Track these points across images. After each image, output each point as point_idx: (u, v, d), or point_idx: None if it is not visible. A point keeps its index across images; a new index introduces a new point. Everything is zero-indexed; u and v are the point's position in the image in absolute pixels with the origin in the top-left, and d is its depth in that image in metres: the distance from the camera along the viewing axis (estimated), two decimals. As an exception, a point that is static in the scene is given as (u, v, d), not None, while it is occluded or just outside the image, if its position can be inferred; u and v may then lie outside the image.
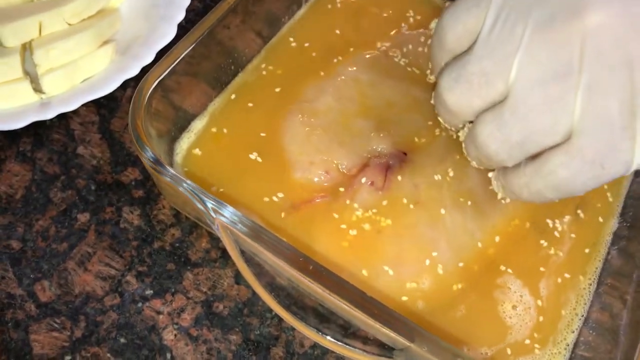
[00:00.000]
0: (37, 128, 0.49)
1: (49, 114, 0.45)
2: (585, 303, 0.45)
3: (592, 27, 0.32)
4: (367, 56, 0.52)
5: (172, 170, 0.39)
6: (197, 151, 0.46)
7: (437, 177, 0.46)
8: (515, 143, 0.36)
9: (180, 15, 0.50)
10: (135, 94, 0.41)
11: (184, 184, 0.38)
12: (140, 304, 0.43)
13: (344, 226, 0.44)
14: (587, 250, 0.46)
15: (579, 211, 0.46)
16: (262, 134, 0.47)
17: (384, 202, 0.45)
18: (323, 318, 0.42)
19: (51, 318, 0.42)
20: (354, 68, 0.51)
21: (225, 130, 0.48)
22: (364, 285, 0.42)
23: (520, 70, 0.34)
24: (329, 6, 0.57)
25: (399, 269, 0.43)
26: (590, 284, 0.45)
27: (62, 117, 0.50)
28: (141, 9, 0.53)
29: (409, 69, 0.52)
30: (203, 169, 0.46)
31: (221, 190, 0.45)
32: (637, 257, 0.45)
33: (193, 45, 0.44)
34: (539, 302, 0.43)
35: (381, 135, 0.47)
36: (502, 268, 0.44)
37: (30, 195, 0.47)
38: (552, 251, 0.45)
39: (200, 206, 0.38)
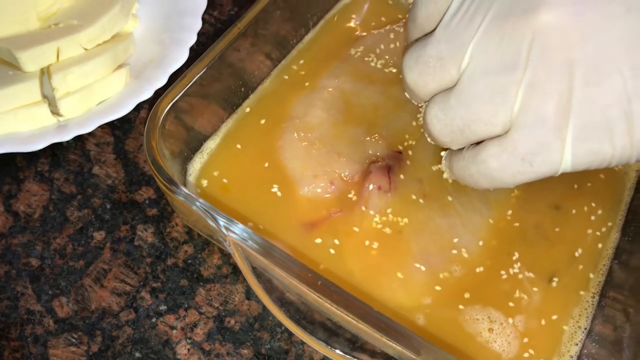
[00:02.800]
0: (54, 149, 0.51)
1: (66, 136, 0.47)
2: (588, 316, 0.45)
3: (542, 26, 0.33)
4: (345, 66, 0.54)
5: (185, 190, 0.40)
6: (210, 175, 0.48)
7: (435, 167, 0.48)
8: (457, 128, 0.37)
9: (192, 39, 0.52)
10: (150, 116, 0.43)
11: (197, 203, 0.40)
12: (154, 319, 0.45)
13: (367, 236, 0.46)
14: (581, 293, 0.47)
15: (555, 279, 0.46)
16: (266, 163, 0.49)
17: (396, 203, 0.47)
18: (331, 332, 0.43)
19: (69, 333, 0.44)
20: (336, 80, 0.53)
21: (237, 150, 0.50)
22: (401, 288, 0.44)
23: (471, 59, 0.35)
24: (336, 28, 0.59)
25: (429, 263, 0.45)
26: (593, 297, 0.46)
27: (78, 138, 0.52)
28: (154, 33, 0.55)
29: (386, 70, 0.54)
30: (217, 190, 0.48)
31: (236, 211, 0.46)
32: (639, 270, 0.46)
33: (205, 69, 0.46)
34: (510, 320, 0.44)
35: (374, 139, 0.49)
36: (465, 299, 0.44)
37: (48, 214, 0.49)
38: (517, 294, 0.45)
39: (212, 224, 0.39)
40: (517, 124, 0.34)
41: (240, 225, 0.39)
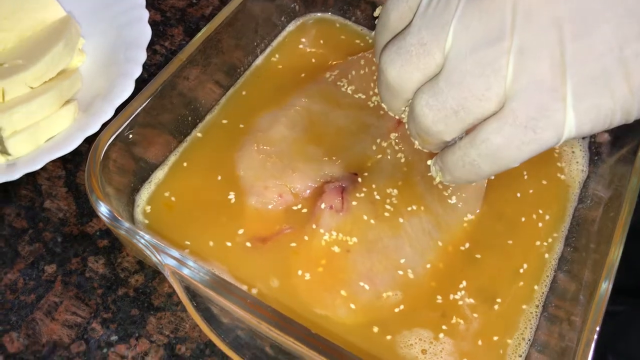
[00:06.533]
0: (5, 185, 0.52)
1: (15, 175, 0.48)
2: (532, 328, 0.47)
3: None
4: (318, 88, 0.56)
5: (126, 224, 0.41)
6: (157, 199, 0.49)
7: (389, 190, 0.50)
8: (450, 111, 0.35)
9: (138, 71, 0.53)
10: (91, 152, 0.44)
11: (137, 236, 0.41)
12: (105, 350, 0.46)
13: (315, 253, 0.47)
14: (524, 307, 0.48)
15: (498, 300, 0.47)
16: (219, 177, 0.51)
17: (347, 223, 0.48)
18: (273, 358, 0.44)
19: (19, 368, 0.45)
20: (306, 99, 0.54)
21: (185, 169, 0.52)
22: (344, 305, 0.45)
23: (454, 38, 0.35)
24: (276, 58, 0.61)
25: (373, 282, 0.46)
26: (537, 307, 0.47)
27: (30, 173, 0.52)
28: (101, 67, 0.56)
29: (355, 95, 0.55)
30: (164, 219, 0.49)
31: (185, 240, 0.48)
32: (583, 279, 0.47)
33: (147, 101, 0.47)
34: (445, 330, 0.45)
35: (332, 159, 0.51)
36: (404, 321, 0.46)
37: (-1, 250, 0.49)
38: (454, 320, 0.46)
39: (151, 256, 0.40)
40: (513, 93, 0.34)
41: (178, 255, 0.40)
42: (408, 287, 0.46)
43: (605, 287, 0.43)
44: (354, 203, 0.48)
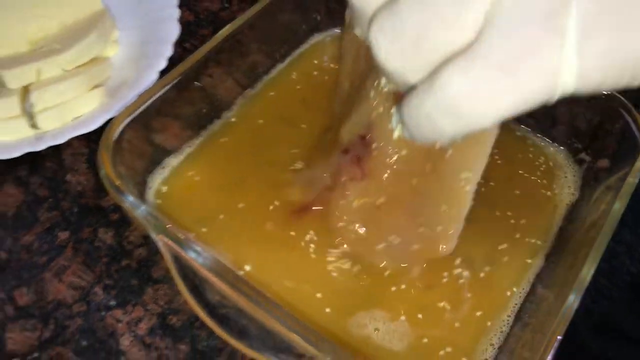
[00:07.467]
0: (34, 157, 0.57)
1: (40, 146, 0.53)
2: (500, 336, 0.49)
3: None
4: None
5: (130, 197, 0.45)
6: (166, 188, 0.53)
7: (402, 151, 0.46)
8: (408, 40, 0.26)
9: (163, 64, 0.58)
10: (106, 129, 0.48)
11: (138, 210, 0.45)
12: (103, 313, 0.50)
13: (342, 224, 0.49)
14: (508, 293, 0.50)
15: (487, 267, 0.49)
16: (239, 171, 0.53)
17: (371, 185, 0.47)
18: (252, 334, 0.47)
19: (25, 320, 0.49)
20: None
21: (219, 146, 0.55)
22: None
23: None
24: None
25: (402, 236, 0.47)
26: (509, 316, 0.49)
27: (57, 148, 0.57)
28: (131, 58, 0.61)
29: None
30: (178, 200, 0.52)
31: (200, 221, 0.51)
32: (560, 295, 0.49)
33: (164, 89, 0.51)
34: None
35: (345, 124, 0.49)
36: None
37: (21, 214, 0.54)
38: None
39: (149, 228, 0.44)
40: (491, 20, 0.24)
41: (171, 227, 0.43)
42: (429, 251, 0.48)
43: (572, 299, 0.44)
44: (372, 168, 0.47)
